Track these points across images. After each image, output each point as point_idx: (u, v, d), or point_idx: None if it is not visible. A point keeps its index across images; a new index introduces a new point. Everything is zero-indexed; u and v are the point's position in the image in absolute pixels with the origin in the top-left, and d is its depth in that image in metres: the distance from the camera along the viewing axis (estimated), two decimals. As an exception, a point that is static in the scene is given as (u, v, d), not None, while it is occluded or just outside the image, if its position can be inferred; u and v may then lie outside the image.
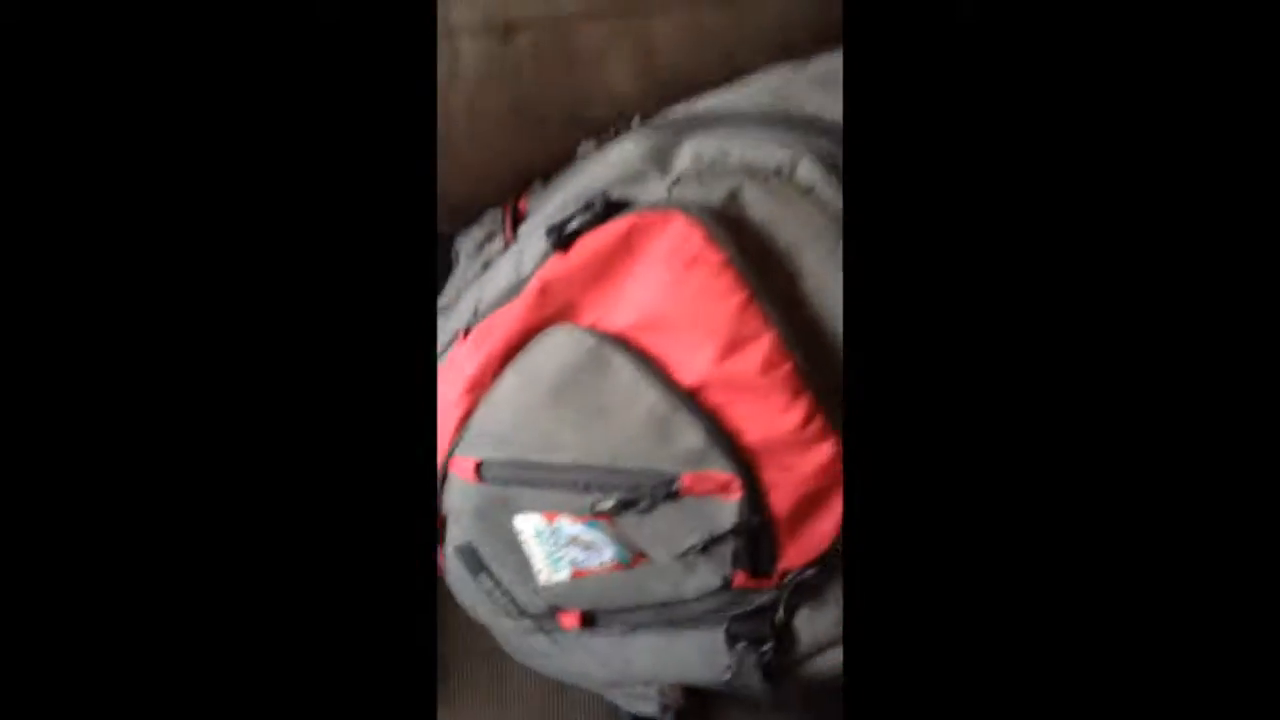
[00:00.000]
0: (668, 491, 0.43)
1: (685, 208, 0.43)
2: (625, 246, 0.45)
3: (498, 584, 0.52)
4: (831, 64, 0.49)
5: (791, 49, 0.50)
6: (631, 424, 0.44)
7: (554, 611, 0.53)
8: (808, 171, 0.43)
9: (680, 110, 0.51)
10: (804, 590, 0.45)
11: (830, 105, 0.46)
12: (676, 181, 0.46)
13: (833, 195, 0.43)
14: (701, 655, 0.49)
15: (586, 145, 0.53)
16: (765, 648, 0.46)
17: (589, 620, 0.52)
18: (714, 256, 0.42)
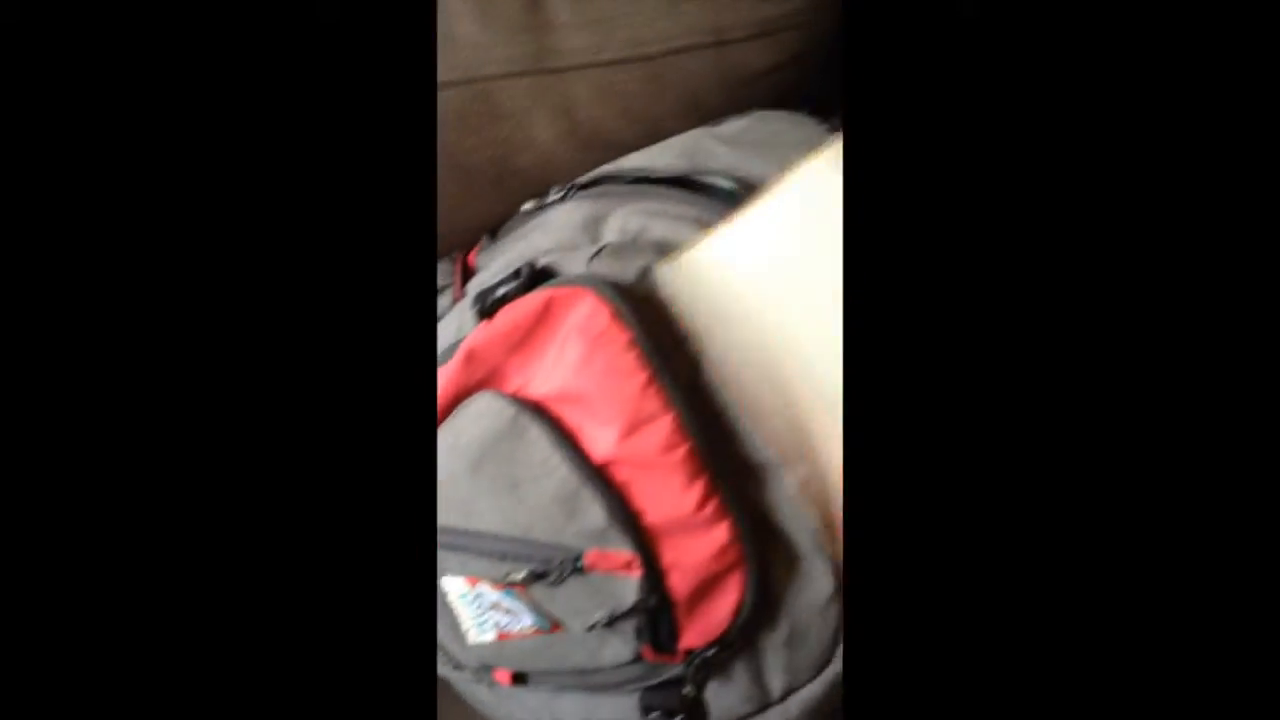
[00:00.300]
0: (574, 567, 0.44)
1: (597, 284, 0.44)
2: (543, 318, 0.46)
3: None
4: (739, 125, 0.50)
5: (703, 111, 0.51)
6: (543, 498, 0.44)
7: (488, 668, 0.53)
8: None
9: (609, 170, 0.51)
10: (710, 667, 0.45)
11: (737, 163, 0.48)
12: (596, 255, 0.46)
13: None
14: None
15: (529, 204, 0.53)
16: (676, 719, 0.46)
17: (520, 679, 0.53)
18: (620, 335, 0.43)
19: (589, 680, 0.49)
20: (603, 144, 0.53)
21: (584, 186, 0.52)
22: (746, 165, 0.48)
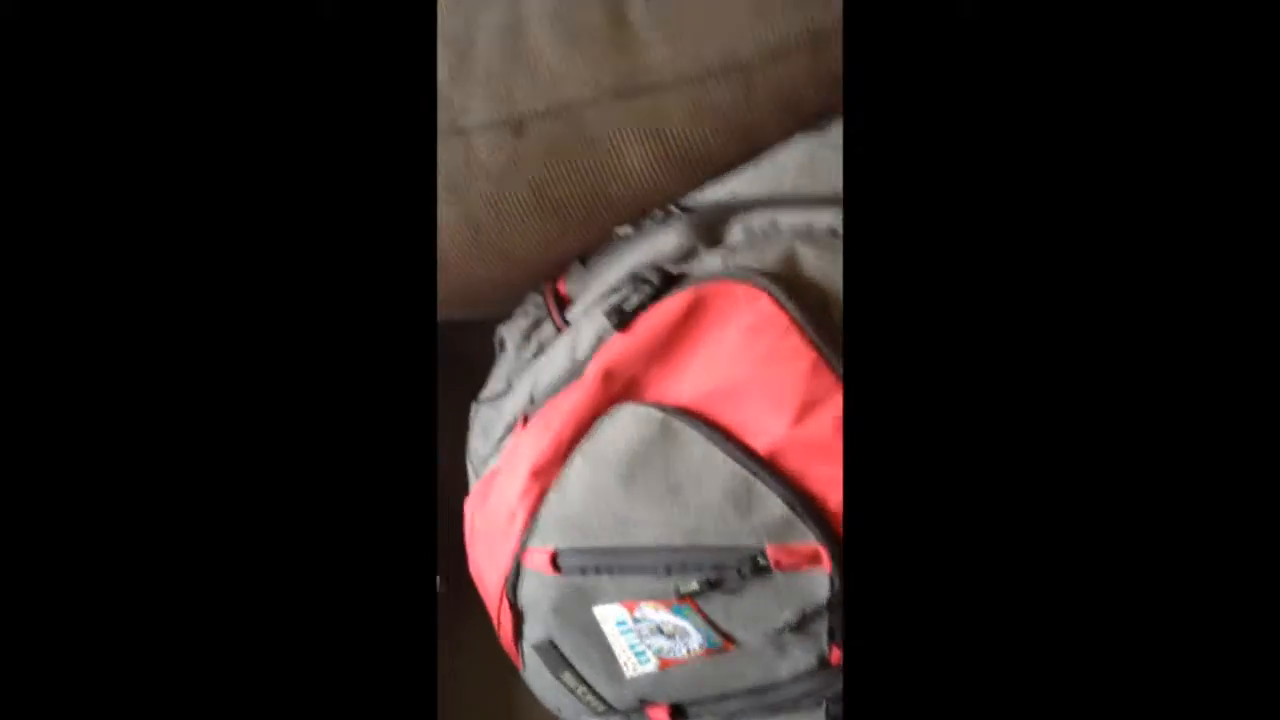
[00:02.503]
0: (755, 567, 0.41)
1: (746, 275, 0.43)
2: (689, 319, 0.45)
3: (582, 680, 0.50)
4: None
5: (799, 115, 0.49)
6: (708, 498, 0.42)
7: (642, 706, 0.50)
8: None
9: (711, 194, 0.50)
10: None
11: None
12: (731, 252, 0.46)
13: None
14: (802, 742, 0.46)
15: (624, 229, 0.52)
16: (871, 728, 0.44)
17: (678, 713, 0.50)
18: (780, 320, 0.41)
19: (763, 700, 0.46)
20: (696, 162, 0.51)
21: (688, 209, 0.50)
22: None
